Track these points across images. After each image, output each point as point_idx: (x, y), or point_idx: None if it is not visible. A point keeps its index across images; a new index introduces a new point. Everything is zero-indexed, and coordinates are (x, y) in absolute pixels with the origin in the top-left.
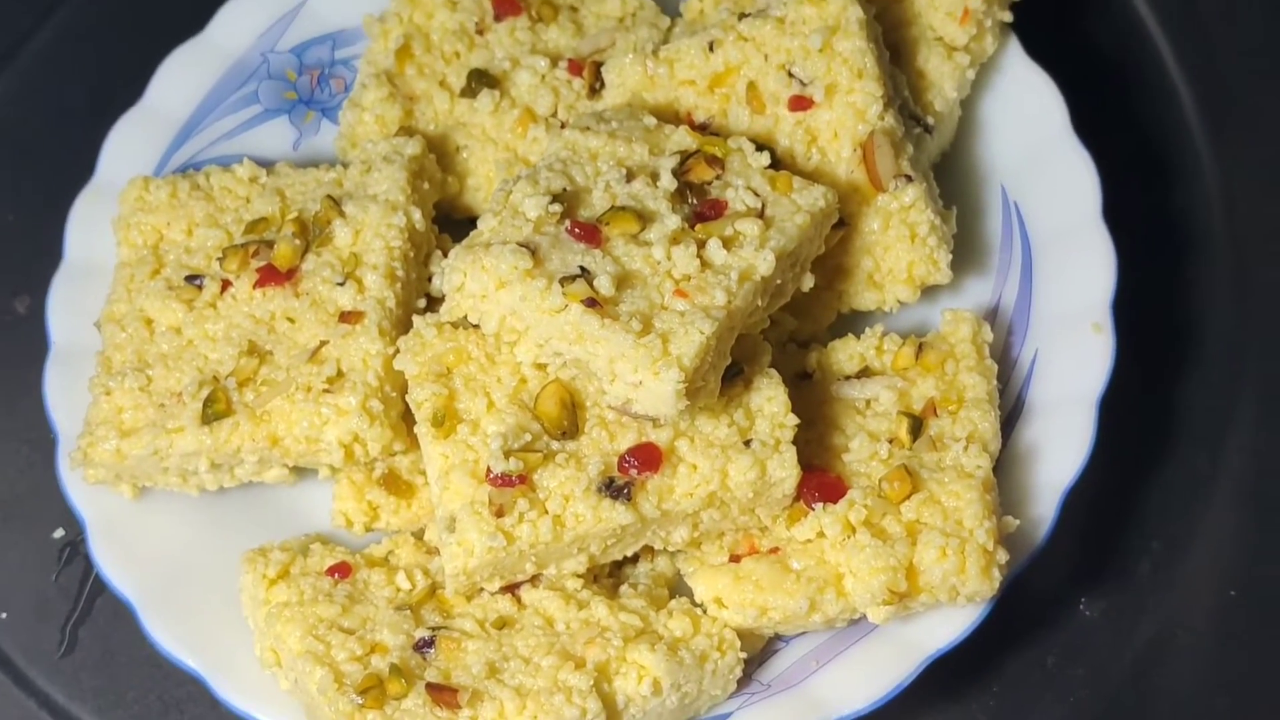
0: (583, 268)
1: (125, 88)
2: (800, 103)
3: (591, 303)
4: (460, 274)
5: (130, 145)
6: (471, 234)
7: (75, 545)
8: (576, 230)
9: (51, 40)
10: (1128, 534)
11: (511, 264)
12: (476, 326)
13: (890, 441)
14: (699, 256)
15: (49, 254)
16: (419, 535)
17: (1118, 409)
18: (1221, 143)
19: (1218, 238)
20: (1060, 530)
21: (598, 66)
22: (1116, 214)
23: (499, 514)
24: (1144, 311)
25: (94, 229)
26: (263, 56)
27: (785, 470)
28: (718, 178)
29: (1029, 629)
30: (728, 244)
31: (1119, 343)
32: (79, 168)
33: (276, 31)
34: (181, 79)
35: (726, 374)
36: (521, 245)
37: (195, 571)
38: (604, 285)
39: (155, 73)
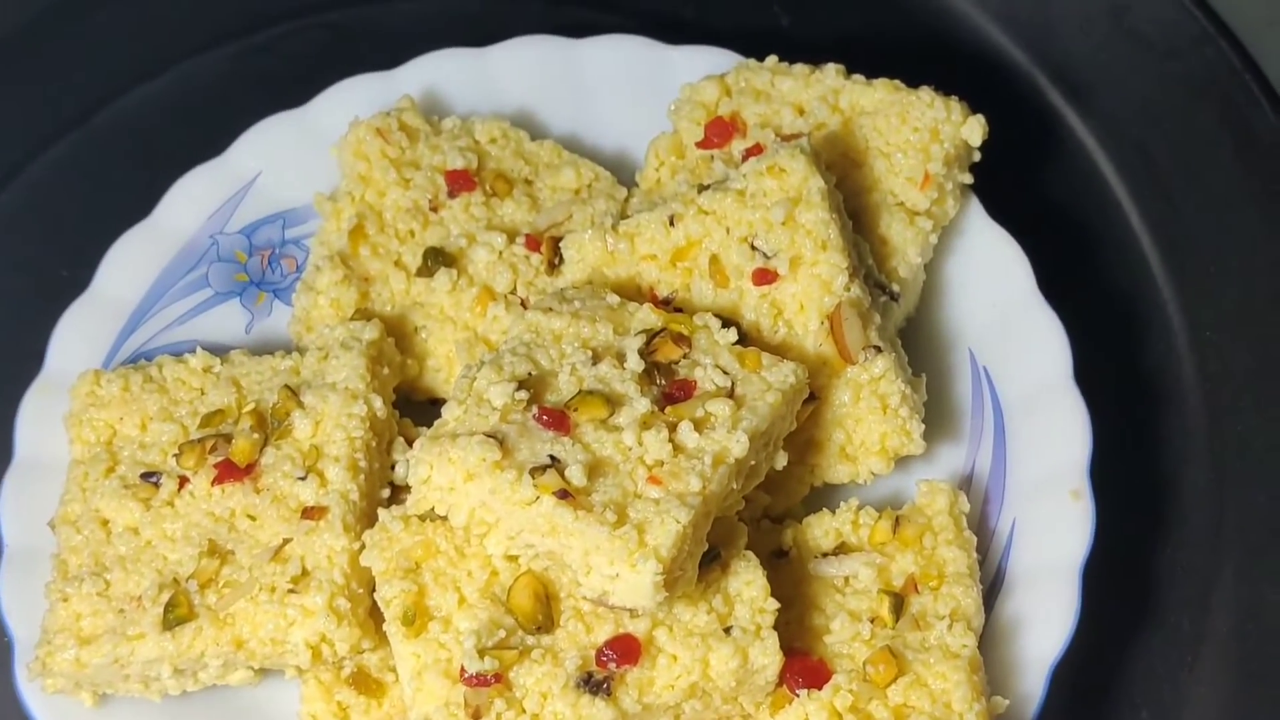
0: (553, 457)
1: (71, 273)
2: (764, 276)
3: (564, 494)
4: (426, 466)
5: (79, 335)
6: (436, 424)
7: None
8: (545, 418)
9: None
10: (1115, 701)
11: (479, 455)
12: (444, 519)
13: (872, 621)
14: (670, 440)
15: None
16: None
17: (1096, 572)
18: (1187, 295)
19: (1189, 392)
20: (1049, 702)
21: (555, 241)
22: (1085, 371)
23: (475, 716)
24: (1117, 470)
25: (44, 424)
26: (212, 239)
27: (768, 657)
28: (685, 356)
29: None
30: (699, 426)
31: (1095, 505)
32: (25, 358)
33: (225, 212)
34: (129, 265)
35: (703, 559)
36: (489, 435)
37: None
38: (576, 475)
39: (103, 259)
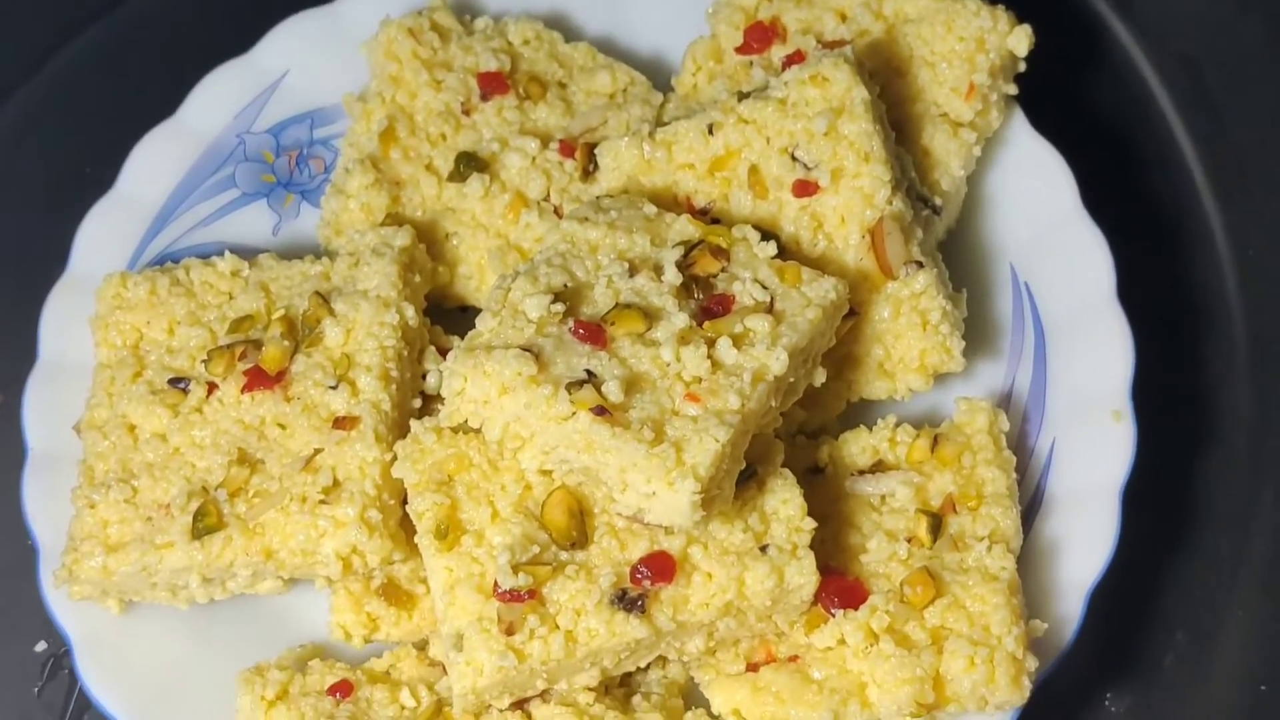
0: (589, 371)
1: (94, 171)
2: (805, 188)
3: (601, 410)
4: (461, 379)
5: (104, 236)
6: (470, 335)
7: (59, 659)
8: (581, 331)
9: (15, 120)
10: (1151, 625)
11: (515, 370)
12: (477, 431)
13: (909, 541)
14: (709, 357)
15: (19, 347)
16: (421, 646)
17: (1133, 492)
18: (1231, 211)
19: (1232, 311)
20: (1084, 623)
21: (590, 147)
22: (1126, 288)
23: (509, 632)
24: (1158, 390)
25: (69, 326)
26: (239, 138)
27: (804, 577)
28: (723, 270)
29: None
30: (738, 342)
31: (1135, 425)
32: (48, 256)
33: (252, 111)
34: (155, 164)
35: (739, 477)
36: (524, 349)
37: (187, 688)
38: (613, 391)
39: (128, 158)
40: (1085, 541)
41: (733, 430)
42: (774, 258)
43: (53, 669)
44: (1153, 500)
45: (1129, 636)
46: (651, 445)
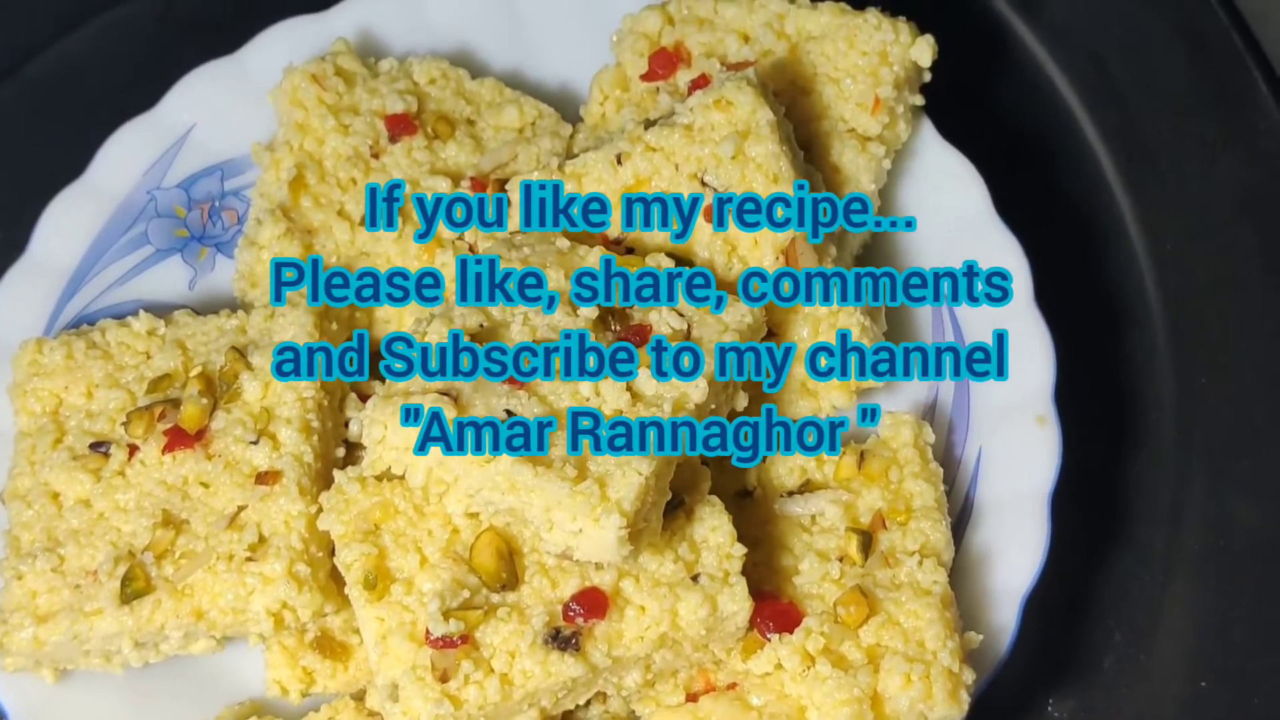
0: (509, 412)
1: (6, 235)
2: None
3: None
4: (381, 427)
5: (18, 301)
6: (389, 382)
7: None
8: None
9: None
10: (1089, 627)
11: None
12: (401, 478)
13: (841, 560)
14: (628, 389)
15: None
16: (359, 697)
17: (1064, 492)
18: (1145, 207)
19: (1152, 307)
20: (1020, 630)
21: (501, 184)
22: (1044, 289)
23: (443, 679)
24: (1082, 388)
25: None
26: (149, 195)
27: (737, 604)
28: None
29: None
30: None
31: (1061, 428)
32: None
33: (161, 167)
34: (66, 226)
35: (666, 507)
36: (442, 394)
37: None
38: None
39: (38, 222)
40: (1016, 550)
41: (655, 462)
42: None
43: None
44: (1084, 500)
45: (1068, 640)
46: (574, 483)
